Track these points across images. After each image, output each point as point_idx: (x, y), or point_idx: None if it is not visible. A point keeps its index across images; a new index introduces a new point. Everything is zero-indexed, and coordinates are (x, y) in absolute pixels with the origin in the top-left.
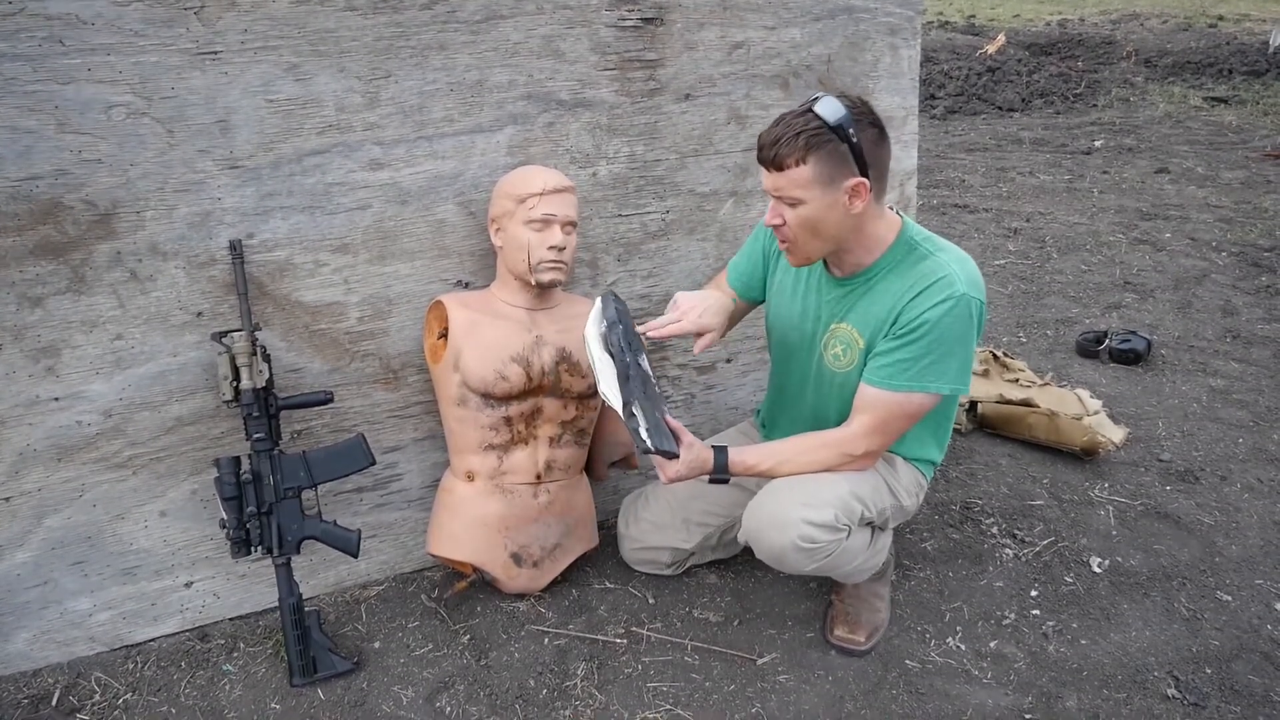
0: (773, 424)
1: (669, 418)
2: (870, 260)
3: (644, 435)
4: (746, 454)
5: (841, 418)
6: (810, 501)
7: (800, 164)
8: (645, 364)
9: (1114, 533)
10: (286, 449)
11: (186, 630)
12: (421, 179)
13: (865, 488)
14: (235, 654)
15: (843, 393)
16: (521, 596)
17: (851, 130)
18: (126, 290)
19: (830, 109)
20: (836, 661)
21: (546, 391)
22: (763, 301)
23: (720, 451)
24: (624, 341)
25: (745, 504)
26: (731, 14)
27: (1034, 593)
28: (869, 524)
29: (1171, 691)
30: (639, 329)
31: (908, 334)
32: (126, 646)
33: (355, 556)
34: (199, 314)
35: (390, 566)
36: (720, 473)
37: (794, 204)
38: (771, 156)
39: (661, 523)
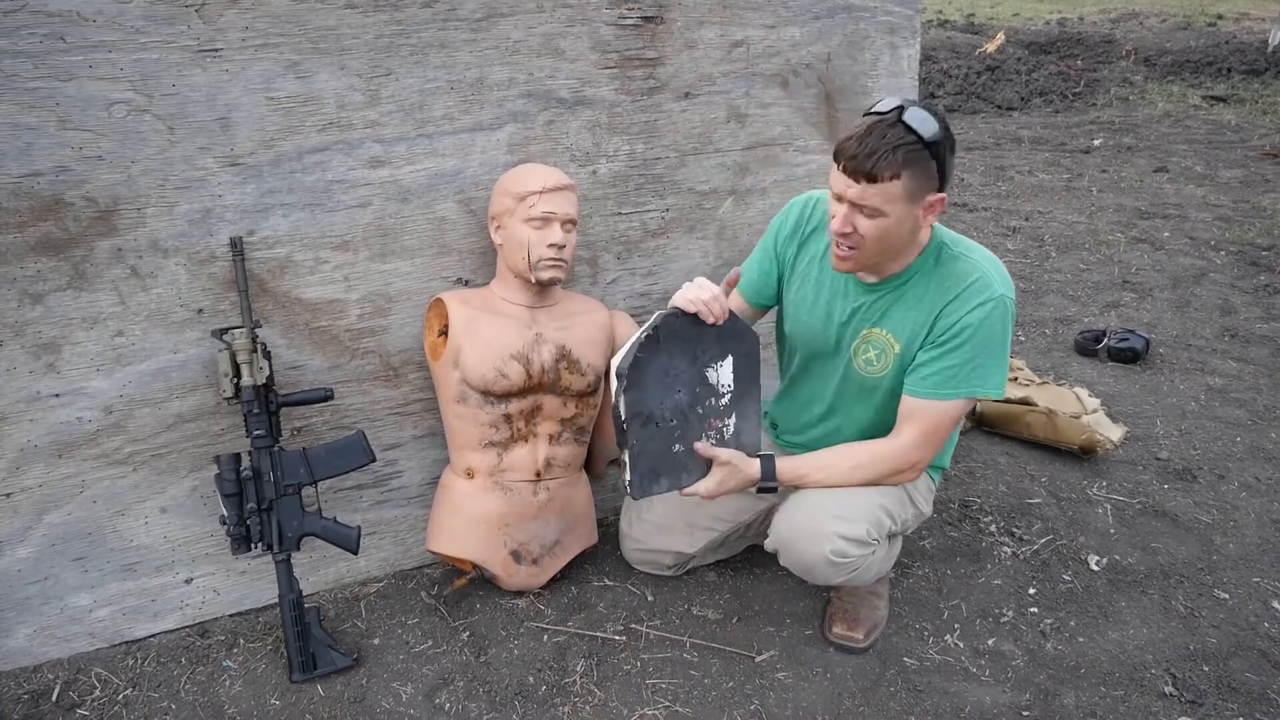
0: (782, 426)
1: (700, 444)
2: (904, 265)
3: (626, 481)
4: (797, 464)
5: (863, 421)
6: (843, 514)
7: (894, 179)
8: (710, 376)
9: (1112, 531)
10: (287, 446)
11: (187, 626)
12: (422, 177)
13: (892, 500)
14: (235, 650)
15: (871, 397)
16: (521, 593)
17: (942, 147)
18: (127, 287)
19: (923, 122)
20: (835, 659)
21: (546, 389)
22: (769, 308)
23: (767, 460)
24: (629, 388)
25: (752, 510)
26: (731, 12)
27: (1032, 591)
28: (890, 534)
29: (1169, 689)
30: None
31: (949, 340)
32: (127, 642)
33: (355, 553)
34: (199, 311)
35: (390, 563)
36: (768, 480)
37: (875, 215)
38: (868, 168)
39: (665, 525)
